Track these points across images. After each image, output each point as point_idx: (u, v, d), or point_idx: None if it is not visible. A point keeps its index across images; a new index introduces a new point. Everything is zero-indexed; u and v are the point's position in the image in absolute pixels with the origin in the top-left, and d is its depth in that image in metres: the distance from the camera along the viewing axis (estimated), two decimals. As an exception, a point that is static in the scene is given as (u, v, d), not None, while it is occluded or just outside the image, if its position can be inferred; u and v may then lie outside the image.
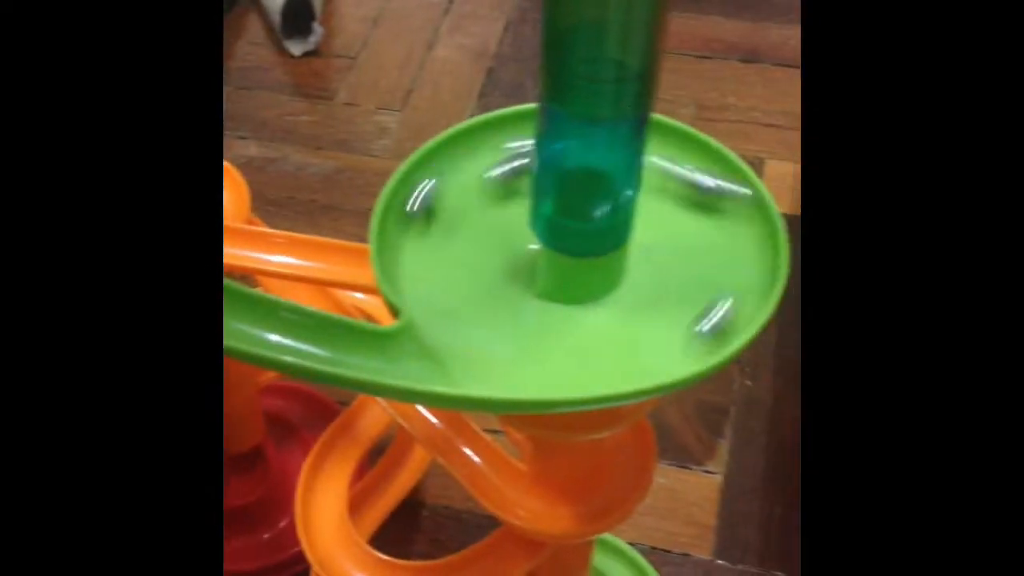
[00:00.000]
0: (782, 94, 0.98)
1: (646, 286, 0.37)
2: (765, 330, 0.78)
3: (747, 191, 0.38)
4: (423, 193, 0.38)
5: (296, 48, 1.06)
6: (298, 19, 1.06)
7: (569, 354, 0.35)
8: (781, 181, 0.91)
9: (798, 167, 0.91)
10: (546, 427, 0.42)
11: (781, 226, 0.37)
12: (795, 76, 1.00)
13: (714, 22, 1.05)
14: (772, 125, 0.95)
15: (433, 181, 0.38)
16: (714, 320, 0.35)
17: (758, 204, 0.38)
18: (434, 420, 0.51)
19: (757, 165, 0.91)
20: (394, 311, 0.34)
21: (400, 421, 0.51)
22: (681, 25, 1.05)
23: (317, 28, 1.07)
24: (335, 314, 0.32)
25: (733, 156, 0.39)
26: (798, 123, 0.95)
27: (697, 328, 0.35)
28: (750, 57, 1.02)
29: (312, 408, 0.78)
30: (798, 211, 0.88)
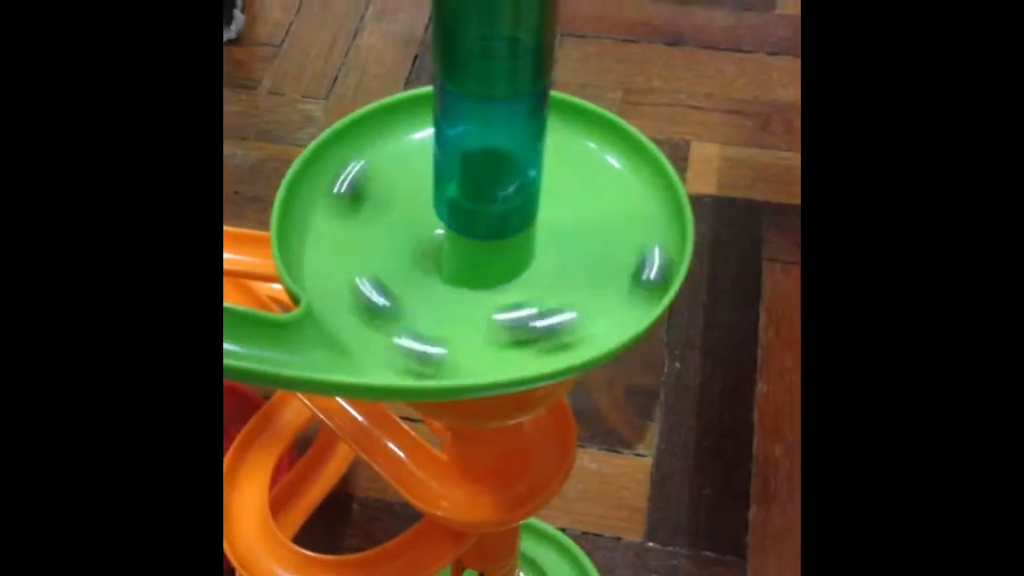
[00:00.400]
0: (707, 76, 0.98)
1: (555, 264, 0.36)
2: (694, 313, 0.78)
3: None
4: (351, 175, 0.37)
5: (217, 37, 1.04)
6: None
7: (476, 339, 0.35)
8: (707, 163, 0.91)
9: (722, 148, 0.92)
10: (463, 414, 0.41)
11: (681, 189, 0.36)
12: (719, 58, 1.00)
13: (639, 5, 1.05)
14: (697, 107, 0.95)
15: (362, 163, 0.38)
16: (656, 266, 0.35)
17: (658, 172, 0.37)
18: (354, 412, 0.50)
19: (684, 147, 0.92)
20: (294, 299, 0.33)
21: (318, 415, 0.50)
22: (607, 8, 1.05)
23: (238, 16, 1.05)
24: (229, 304, 0.31)
25: (636, 133, 0.39)
26: (722, 105, 0.96)
27: (644, 277, 0.35)
28: (675, 40, 1.02)
29: (238, 404, 0.77)
30: (721, 192, 0.89)
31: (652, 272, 0.35)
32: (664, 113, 0.95)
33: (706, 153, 0.92)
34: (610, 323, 0.34)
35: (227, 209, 0.89)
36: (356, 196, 0.37)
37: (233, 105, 0.98)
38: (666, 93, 0.97)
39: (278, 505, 0.59)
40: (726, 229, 0.86)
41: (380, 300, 0.34)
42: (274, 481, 0.56)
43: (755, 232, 0.86)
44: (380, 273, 0.35)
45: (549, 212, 0.36)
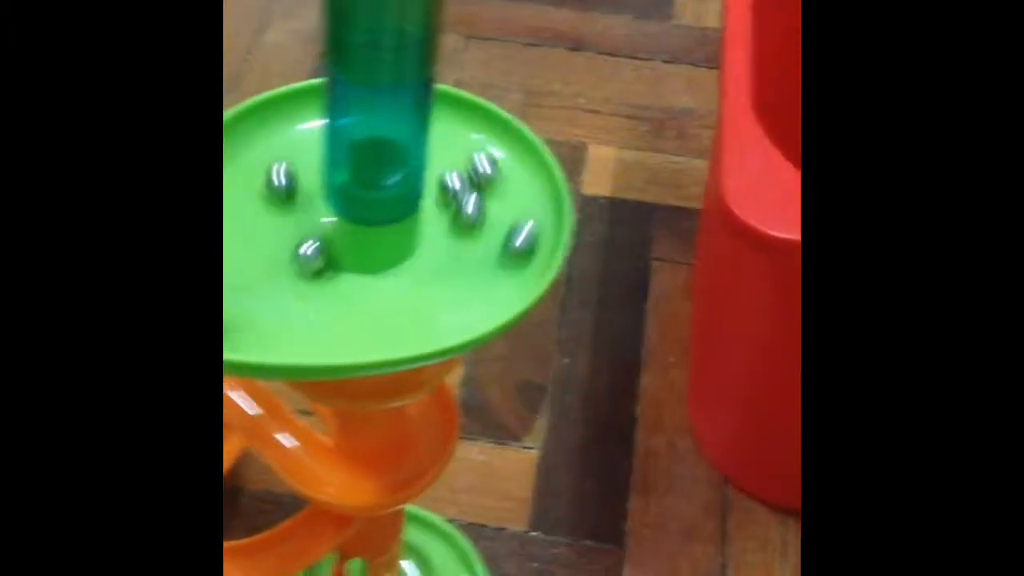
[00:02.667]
0: (605, 81, 1.01)
1: (442, 250, 0.38)
2: (584, 310, 0.80)
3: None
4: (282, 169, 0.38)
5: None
6: None
7: (365, 321, 0.36)
8: (603, 165, 0.93)
9: (618, 151, 0.94)
10: (348, 396, 0.42)
11: (558, 174, 0.38)
12: (618, 64, 1.03)
13: (543, 10, 1.07)
14: (595, 111, 0.98)
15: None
16: (523, 234, 0.37)
17: (539, 163, 0.39)
18: (241, 402, 0.50)
19: (580, 149, 0.94)
20: None
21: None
22: (511, 12, 1.07)
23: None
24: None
25: (517, 123, 0.40)
26: (620, 109, 0.98)
27: (510, 245, 0.36)
28: (576, 45, 1.04)
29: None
30: (616, 194, 0.91)
31: (519, 240, 0.36)
32: (563, 116, 0.97)
33: (602, 155, 0.94)
34: (489, 304, 0.35)
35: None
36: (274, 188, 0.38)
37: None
38: (565, 96, 0.99)
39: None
40: (618, 230, 0.88)
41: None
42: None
43: (646, 233, 0.88)
44: (259, 261, 0.36)
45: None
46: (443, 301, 0.37)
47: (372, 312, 0.36)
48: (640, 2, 1.09)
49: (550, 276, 0.35)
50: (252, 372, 0.34)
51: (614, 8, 1.08)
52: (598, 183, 0.92)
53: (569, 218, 0.38)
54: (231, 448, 0.63)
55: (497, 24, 1.05)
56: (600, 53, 1.03)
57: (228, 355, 0.32)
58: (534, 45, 1.04)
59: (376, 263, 0.37)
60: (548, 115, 0.97)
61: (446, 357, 0.34)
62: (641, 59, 1.03)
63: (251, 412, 0.49)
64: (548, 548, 0.70)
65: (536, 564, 0.69)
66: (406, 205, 0.36)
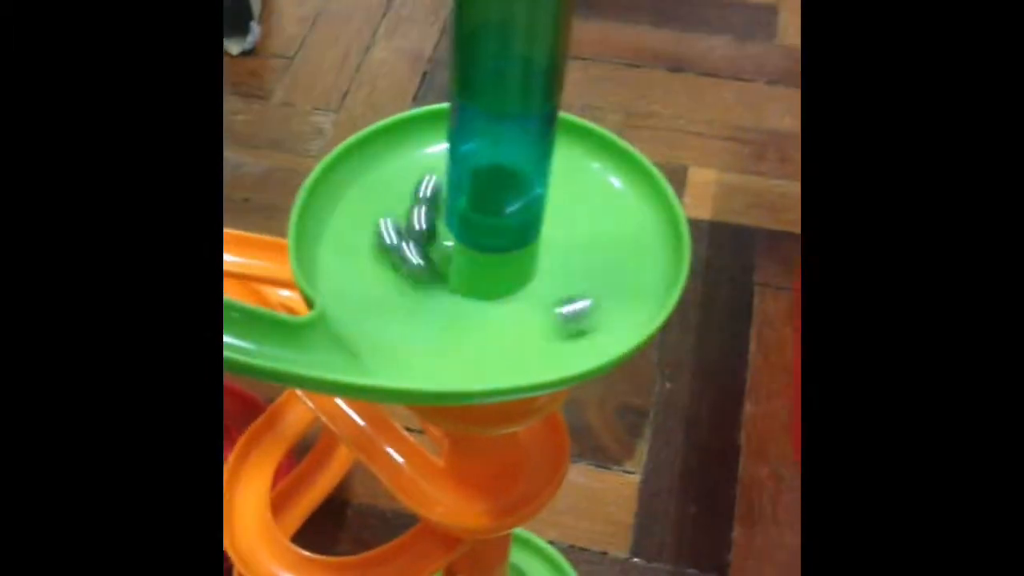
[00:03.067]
0: (706, 103, 1.00)
1: (558, 281, 0.38)
2: (685, 333, 0.79)
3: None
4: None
5: (233, 47, 1.06)
6: (236, 18, 1.06)
7: (480, 347, 0.36)
8: (704, 188, 0.93)
9: (720, 174, 0.94)
10: (461, 421, 0.43)
11: (679, 210, 0.38)
12: (719, 85, 1.02)
13: (643, 31, 1.07)
14: (696, 133, 0.97)
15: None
16: (576, 308, 0.36)
17: (658, 195, 0.39)
18: (356, 418, 0.51)
19: (681, 172, 0.93)
20: (309, 302, 0.35)
21: (322, 418, 0.51)
22: (611, 34, 1.07)
23: (255, 27, 1.07)
24: (247, 304, 0.32)
25: (639, 156, 0.40)
26: (721, 131, 0.98)
27: (558, 311, 0.36)
28: (676, 66, 1.04)
29: (242, 407, 0.78)
30: (716, 217, 0.90)
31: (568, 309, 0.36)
32: (663, 137, 0.97)
33: (703, 179, 0.93)
34: (608, 332, 0.36)
35: (236, 216, 0.91)
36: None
37: (245, 115, 1.00)
38: (666, 118, 0.99)
39: (277, 506, 0.60)
40: (719, 253, 0.88)
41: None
42: (274, 483, 0.57)
43: (748, 257, 0.88)
44: (391, 281, 0.37)
45: (552, 229, 0.38)
46: (558, 331, 0.37)
47: (489, 338, 0.37)
48: (742, 22, 1.08)
49: (671, 305, 0.35)
50: (380, 396, 0.34)
51: (715, 28, 1.08)
52: (699, 206, 0.91)
53: (687, 249, 0.38)
54: (340, 461, 0.64)
55: (597, 44, 1.06)
56: (701, 74, 1.03)
57: (356, 379, 0.33)
58: (634, 66, 1.04)
59: (495, 289, 0.38)
60: (647, 136, 0.97)
61: (566, 386, 0.35)
62: (743, 80, 1.03)
63: (365, 428, 0.50)
64: (650, 575, 0.70)
65: (637, 590, 0.69)
66: (526, 233, 0.37)
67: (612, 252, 0.39)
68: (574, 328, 0.36)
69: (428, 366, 0.36)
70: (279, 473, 0.66)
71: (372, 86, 1.03)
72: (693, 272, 0.84)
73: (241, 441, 0.56)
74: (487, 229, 0.37)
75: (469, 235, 0.37)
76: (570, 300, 0.36)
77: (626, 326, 0.36)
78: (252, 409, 0.78)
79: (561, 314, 0.36)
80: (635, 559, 0.71)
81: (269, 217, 0.91)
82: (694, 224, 0.90)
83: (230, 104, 1.01)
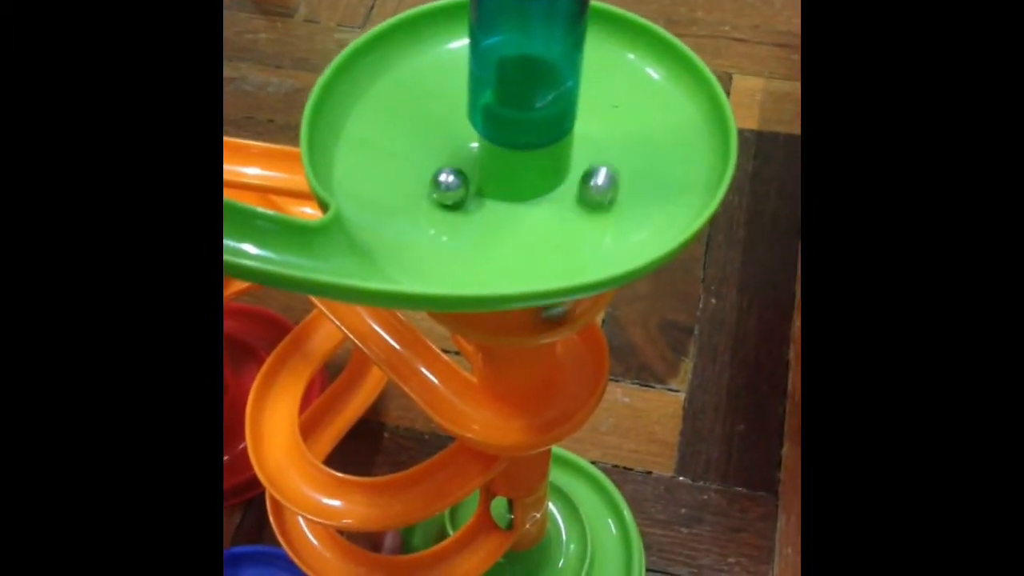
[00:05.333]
0: (750, 8, 0.96)
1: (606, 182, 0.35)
2: (731, 248, 0.77)
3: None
4: None
5: (254, -36, 1.03)
6: (255, -67, 1.03)
7: (511, 251, 0.34)
8: (749, 96, 0.89)
9: (766, 82, 0.90)
10: (495, 332, 0.40)
11: (730, 119, 0.35)
12: (765, -10, 0.97)
13: (684, -65, 1.02)
14: (740, 40, 0.93)
15: None
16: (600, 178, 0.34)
17: (707, 97, 0.36)
18: (387, 337, 0.50)
19: (725, 80, 0.89)
20: (323, 205, 0.33)
21: (351, 337, 0.49)
22: (651, -61, 1.02)
23: (275, -57, 1.03)
24: (259, 207, 0.30)
25: (679, 44, 0.37)
26: (766, 38, 0.93)
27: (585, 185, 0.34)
28: (720, -30, 0.99)
29: (271, 330, 0.77)
30: (764, 127, 0.86)
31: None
32: (706, 45, 0.92)
33: (749, 87, 0.89)
34: (647, 234, 0.33)
35: (262, 137, 0.89)
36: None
37: (268, 33, 0.97)
38: (709, 24, 0.94)
39: (309, 428, 0.59)
40: (767, 165, 0.84)
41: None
42: (305, 405, 0.56)
43: (796, 168, 0.84)
44: (412, 186, 0.35)
45: (585, 124, 0.35)
46: (595, 231, 0.34)
47: (519, 242, 0.34)
48: (789, -77, 1.03)
49: (716, 203, 0.33)
50: (399, 302, 0.32)
51: (760, -70, 1.02)
52: (745, 116, 0.87)
53: (734, 142, 0.34)
54: (373, 382, 0.62)
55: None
56: (746, -22, 0.98)
57: (376, 285, 0.31)
58: (675, -28, 0.99)
59: (525, 190, 0.35)
60: (691, 44, 0.92)
61: (597, 291, 0.32)
62: (790, -17, 0.98)
63: (396, 346, 0.48)
64: (696, 494, 0.68)
65: (684, 510, 0.67)
66: (557, 128, 0.34)
67: (651, 148, 0.36)
68: (604, 199, 0.33)
69: (454, 271, 0.33)
70: (309, 395, 0.65)
71: (399, 0, 0.99)
72: (739, 185, 0.81)
73: (267, 362, 0.54)
74: (516, 125, 0.34)
75: (496, 132, 0.34)
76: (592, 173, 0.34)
77: (669, 225, 0.33)
78: (281, 333, 0.77)
79: (590, 188, 0.33)
80: (680, 478, 0.69)
81: (295, 137, 0.88)
82: (740, 134, 0.86)
83: (253, 23, 0.98)
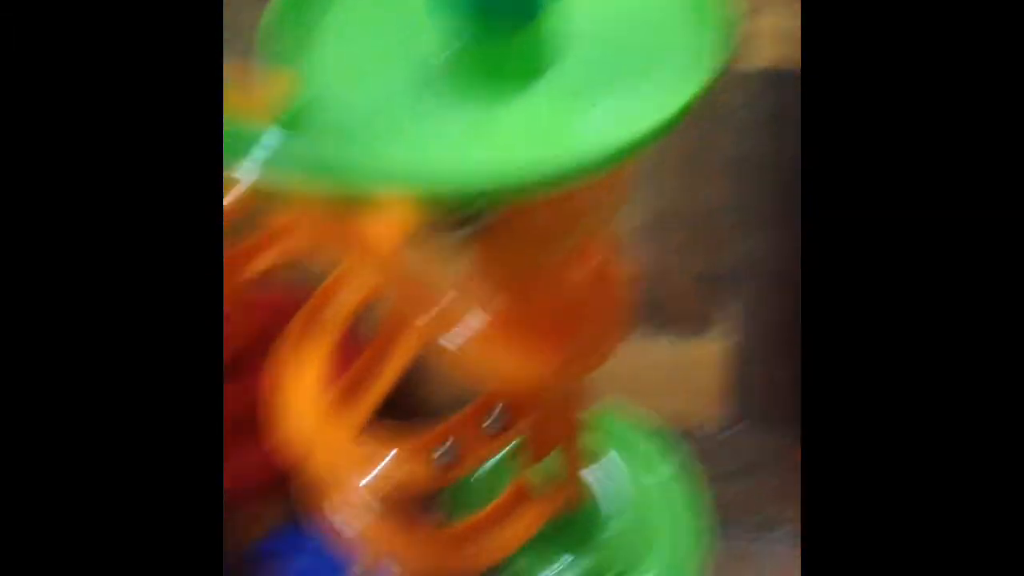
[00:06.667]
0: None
1: (579, 68, 0.34)
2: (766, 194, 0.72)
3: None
4: None
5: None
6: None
7: (492, 145, 0.32)
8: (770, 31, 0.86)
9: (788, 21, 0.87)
10: (507, 244, 0.39)
11: None
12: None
13: None
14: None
15: None
16: None
17: None
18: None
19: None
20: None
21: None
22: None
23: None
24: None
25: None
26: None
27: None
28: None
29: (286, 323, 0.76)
30: (785, 65, 0.83)
31: None
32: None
33: (768, 23, 0.86)
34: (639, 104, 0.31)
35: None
36: None
37: None
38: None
39: (342, 400, 0.58)
40: (793, 102, 0.81)
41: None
42: (338, 373, 0.55)
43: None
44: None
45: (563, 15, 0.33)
46: (582, 119, 0.33)
47: (502, 134, 0.32)
48: None
49: (715, 66, 0.31)
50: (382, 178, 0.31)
51: None
52: (755, 55, 0.84)
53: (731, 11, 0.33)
54: (404, 350, 0.61)
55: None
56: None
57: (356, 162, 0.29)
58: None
59: (503, 81, 0.33)
60: None
61: (601, 166, 0.30)
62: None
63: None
64: (750, 444, 0.65)
65: (737, 462, 0.65)
66: (529, 4, 0.32)
67: (639, 30, 0.34)
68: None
69: (442, 162, 0.31)
70: (343, 361, 0.64)
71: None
72: (761, 126, 0.78)
73: (289, 330, 0.54)
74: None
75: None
76: None
77: (663, 94, 0.31)
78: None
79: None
80: (731, 431, 0.66)
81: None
82: (761, 74, 0.83)
83: None
